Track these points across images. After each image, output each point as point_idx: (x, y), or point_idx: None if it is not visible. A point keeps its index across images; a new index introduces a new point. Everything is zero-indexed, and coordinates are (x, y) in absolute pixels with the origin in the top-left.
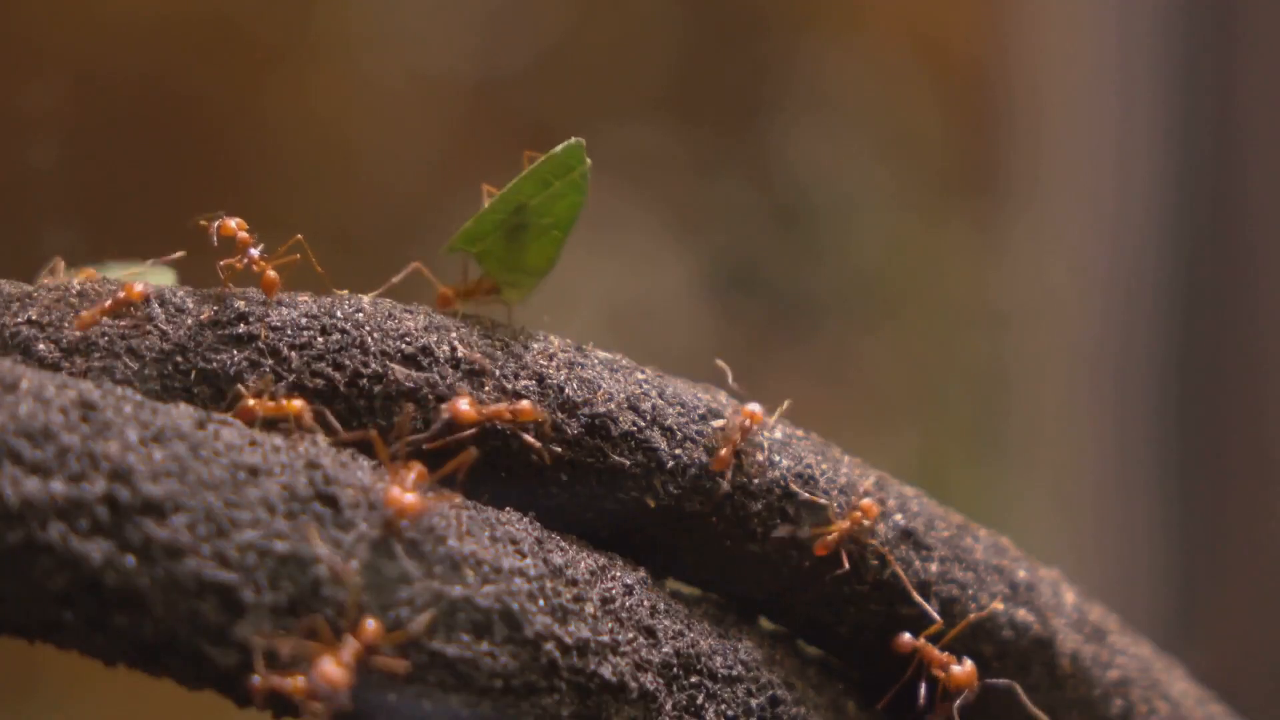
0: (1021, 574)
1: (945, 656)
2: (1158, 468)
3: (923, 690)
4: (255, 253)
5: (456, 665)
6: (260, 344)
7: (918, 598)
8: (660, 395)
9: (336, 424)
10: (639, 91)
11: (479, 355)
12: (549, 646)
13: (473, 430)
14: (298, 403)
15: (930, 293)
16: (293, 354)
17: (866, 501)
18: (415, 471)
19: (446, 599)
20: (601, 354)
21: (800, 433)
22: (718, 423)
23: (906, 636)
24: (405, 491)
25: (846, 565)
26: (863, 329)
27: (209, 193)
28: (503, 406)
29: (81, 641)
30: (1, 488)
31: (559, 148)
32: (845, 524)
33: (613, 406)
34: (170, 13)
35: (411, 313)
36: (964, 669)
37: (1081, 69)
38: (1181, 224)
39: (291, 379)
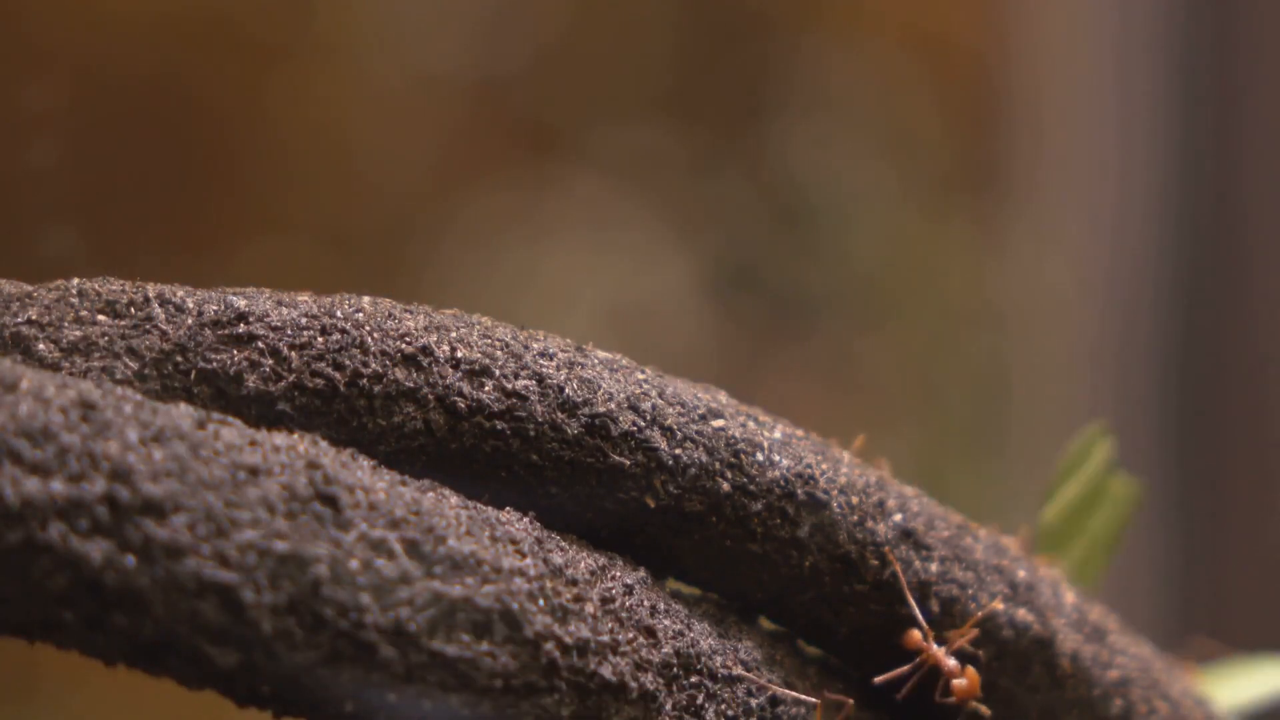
0: (1021, 574)
1: (953, 665)
2: (1158, 467)
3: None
4: None
5: (456, 665)
6: (260, 344)
7: (911, 600)
8: (660, 395)
9: None
10: (639, 91)
11: (479, 355)
12: (549, 646)
13: None
14: None
15: (930, 292)
16: (293, 354)
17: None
18: None
19: (446, 599)
20: (601, 354)
21: (800, 433)
22: None
23: (916, 634)
24: None
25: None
26: (863, 328)
27: (210, 192)
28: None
29: (81, 641)
30: (1, 488)
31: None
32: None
33: (613, 406)
34: (170, 11)
35: (411, 313)
36: (966, 682)
37: (1081, 68)
38: (1181, 223)
39: (291, 379)
